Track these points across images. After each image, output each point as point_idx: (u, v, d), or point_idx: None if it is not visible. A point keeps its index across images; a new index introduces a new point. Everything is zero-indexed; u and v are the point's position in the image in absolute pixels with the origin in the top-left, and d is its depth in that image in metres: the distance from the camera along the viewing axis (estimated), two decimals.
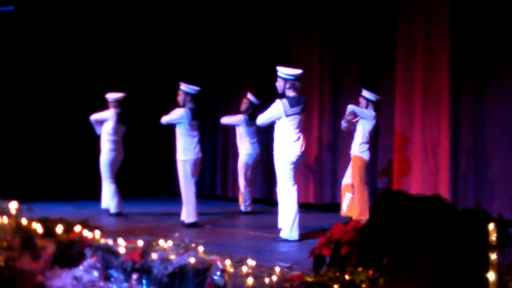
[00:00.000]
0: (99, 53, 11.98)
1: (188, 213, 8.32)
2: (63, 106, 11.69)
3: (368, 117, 8.25)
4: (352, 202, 8.29)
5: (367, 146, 8.24)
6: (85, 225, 6.26)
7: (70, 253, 5.96)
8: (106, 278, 5.60)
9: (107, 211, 9.44)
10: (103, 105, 9.57)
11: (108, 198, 9.38)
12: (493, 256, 3.72)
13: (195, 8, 12.05)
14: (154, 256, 5.27)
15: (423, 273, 3.72)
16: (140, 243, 5.57)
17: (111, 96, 9.52)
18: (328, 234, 4.44)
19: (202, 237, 6.46)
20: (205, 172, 11.42)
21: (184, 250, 5.24)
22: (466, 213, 3.89)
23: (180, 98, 8.40)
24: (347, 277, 4.09)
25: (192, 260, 5.00)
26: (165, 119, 8.42)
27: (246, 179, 9.88)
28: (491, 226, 3.76)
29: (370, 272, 4.03)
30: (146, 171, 12.45)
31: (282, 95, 7.26)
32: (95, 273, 5.65)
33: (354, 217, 7.78)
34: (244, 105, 9.95)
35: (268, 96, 7.98)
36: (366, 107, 8.33)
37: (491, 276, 3.70)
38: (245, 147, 9.90)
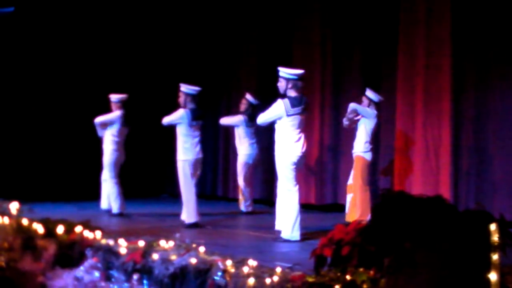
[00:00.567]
0: (100, 54, 11.96)
1: (188, 213, 8.32)
2: (64, 107, 11.68)
3: (369, 115, 8.25)
4: (351, 203, 8.27)
5: (370, 146, 8.23)
6: (86, 225, 6.25)
7: (71, 253, 5.95)
8: (107, 278, 5.60)
9: (107, 211, 9.45)
10: (105, 107, 9.57)
11: (112, 198, 9.39)
12: (495, 257, 3.71)
13: (197, 9, 12.06)
14: (155, 256, 5.26)
15: (424, 273, 3.71)
16: (141, 243, 5.57)
17: (115, 96, 9.52)
18: (329, 235, 4.44)
19: (203, 238, 6.45)
20: (206, 173, 11.43)
21: (185, 251, 5.24)
22: (467, 214, 3.88)
23: (181, 99, 8.42)
24: (348, 277, 4.09)
25: (193, 260, 5.00)
26: (166, 120, 8.45)
27: (245, 179, 9.87)
28: (493, 226, 3.75)
29: (372, 272, 4.03)
30: (147, 171, 12.44)
31: (283, 95, 7.26)
32: (96, 274, 5.65)
33: (355, 218, 7.76)
34: (243, 106, 9.95)
35: (269, 97, 7.97)
36: (368, 107, 8.33)
37: (493, 276, 3.69)
38: (244, 148, 9.90)
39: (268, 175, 10.38)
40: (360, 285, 4.01)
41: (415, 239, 3.76)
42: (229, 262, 4.81)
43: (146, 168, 12.38)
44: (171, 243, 5.49)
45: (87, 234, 6.03)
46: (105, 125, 9.48)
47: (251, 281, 4.47)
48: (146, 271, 5.29)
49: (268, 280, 4.42)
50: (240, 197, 10.02)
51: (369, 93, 8.38)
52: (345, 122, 8.45)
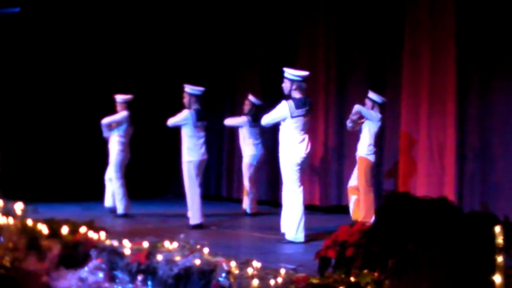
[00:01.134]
0: (105, 55, 11.98)
1: (192, 214, 8.32)
2: (69, 108, 11.70)
3: (374, 118, 8.23)
4: (356, 204, 8.27)
5: (374, 148, 8.22)
6: (91, 226, 6.26)
7: (75, 254, 5.95)
8: (111, 279, 5.60)
9: (112, 211, 9.46)
10: (109, 107, 9.58)
11: (117, 199, 9.42)
12: (500, 259, 3.70)
13: (201, 10, 12.07)
14: (159, 257, 5.27)
15: (428, 275, 3.70)
16: (146, 244, 5.57)
17: (120, 97, 9.53)
18: (333, 236, 4.43)
19: (207, 239, 6.45)
20: (210, 173, 11.44)
21: (190, 252, 5.24)
22: (472, 215, 3.87)
23: (186, 100, 8.43)
24: (352, 279, 4.08)
25: (197, 261, 5.00)
26: (170, 122, 8.45)
27: (250, 180, 9.88)
28: (497, 228, 3.74)
29: (376, 274, 4.02)
30: (152, 172, 12.46)
31: (288, 97, 7.26)
32: (100, 274, 5.65)
33: (359, 219, 7.75)
34: (246, 107, 9.97)
35: (274, 98, 7.97)
36: (372, 109, 8.31)
37: (498, 279, 3.68)
38: (248, 149, 9.90)
39: (272, 176, 10.38)
40: (364, 287, 4.01)
41: (419, 241, 3.76)
42: (233, 263, 4.81)
43: (151, 169, 12.40)
44: (175, 244, 5.50)
45: (92, 234, 6.04)
46: (112, 126, 9.49)
47: (255, 282, 4.47)
48: (150, 272, 5.29)
49: (272, 282, 4.42)
50: (245, 197, 10.02)
51: (372, 94, 8.36)
52: (349, 124, 8.44)
